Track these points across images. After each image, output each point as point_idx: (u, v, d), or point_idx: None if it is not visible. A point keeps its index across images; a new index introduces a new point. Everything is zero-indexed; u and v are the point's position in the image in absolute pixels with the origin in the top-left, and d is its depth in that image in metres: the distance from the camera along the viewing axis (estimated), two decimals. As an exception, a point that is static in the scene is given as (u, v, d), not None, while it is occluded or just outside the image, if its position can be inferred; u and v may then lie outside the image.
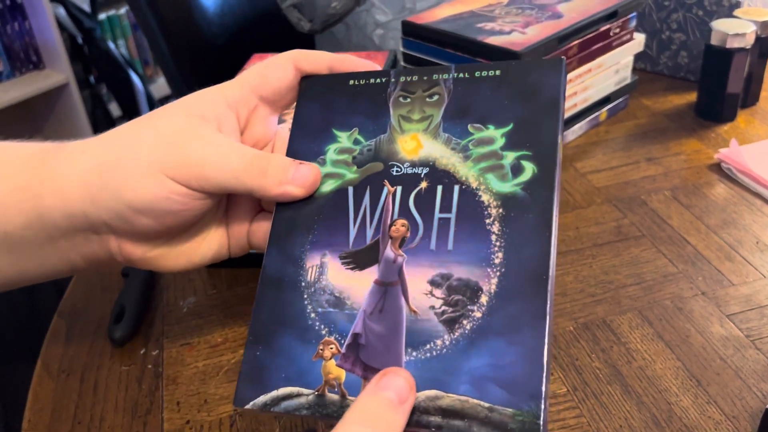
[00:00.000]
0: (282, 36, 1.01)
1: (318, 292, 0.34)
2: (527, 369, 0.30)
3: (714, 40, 0.78)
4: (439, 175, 0.36)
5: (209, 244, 0.41)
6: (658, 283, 0.58)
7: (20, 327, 0.72)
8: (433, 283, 0.33)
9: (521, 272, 0.32)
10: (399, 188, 0.36)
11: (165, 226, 0.38)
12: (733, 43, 0.76)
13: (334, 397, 0.31)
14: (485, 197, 0.34)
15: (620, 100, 0.85)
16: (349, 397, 0.31)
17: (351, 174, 0.37)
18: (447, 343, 0.31)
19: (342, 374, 0.32)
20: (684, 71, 0.92)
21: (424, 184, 0.36)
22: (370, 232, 0.35)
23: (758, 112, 0.83)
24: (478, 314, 0.31)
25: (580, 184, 0.72)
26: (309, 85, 0.41)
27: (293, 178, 0.37)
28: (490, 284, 0.32)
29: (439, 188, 0.35)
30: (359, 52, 0.72)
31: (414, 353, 0.31)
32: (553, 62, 0.37)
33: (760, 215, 0.65)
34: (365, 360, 0.32)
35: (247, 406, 0.33)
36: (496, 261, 0.32)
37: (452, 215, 0.34)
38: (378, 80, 0.40)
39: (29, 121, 2.35)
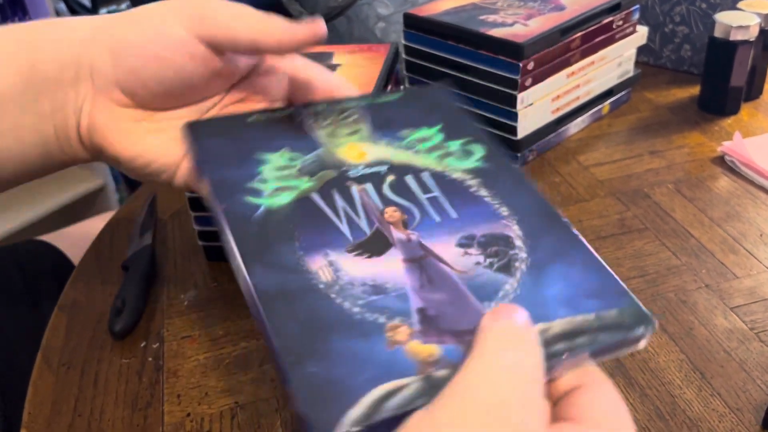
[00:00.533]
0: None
1: (346, 288, 0.31)
2: (599, 278, 0.31)
3: (717, 33, 0.77)
4: (402, 169, 0.36)
5: (169, 148, 0.40)
6: (661, 275, 0.58)
7: (19, 320, 0.72)
8: (461, 245, 0.33)
9: (534, 215, 0.34)
10: (368, 185, 0.36)
11: (147, 77, 0.37)
12: (736, 36, 0.76)
13: (444, 372, 0.28)
14: (456, 174, 0.36)
15: (623, 93, 0.84)
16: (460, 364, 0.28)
17: (306, 183, 0.36)
18: (516, 284, 0.31)
19: (434, 349, 0.29)
20: (687, 64, 0.91)
21: (391, 177, 0.36)
22: (364, 225, 0.34)
23: (762, 105, 0.83)
24: (524, 254, 0.32)
25: (583, 177, 0.72)
26: (199, 128, 0.40)
27: (299, 26, 0.37)
28: (513, 230, 0.33)
29: (408, 177, 0.36)
30: (361, 45, 0.72)
31: (491, 304, 0.30)
32: (441, 86, 0.43)
33: (764, 208, 0.65)
34: (449, 326, 0.29)
35: (345, 420, 0.26)
36: (505, 213, 0.34)
37: (437, 193, 0.35)
38: (281, 113, 0.40)
39: (30, 116, 2.35)
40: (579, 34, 0.73)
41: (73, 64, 0.37)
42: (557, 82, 0.73)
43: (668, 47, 0.92)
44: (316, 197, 0.35)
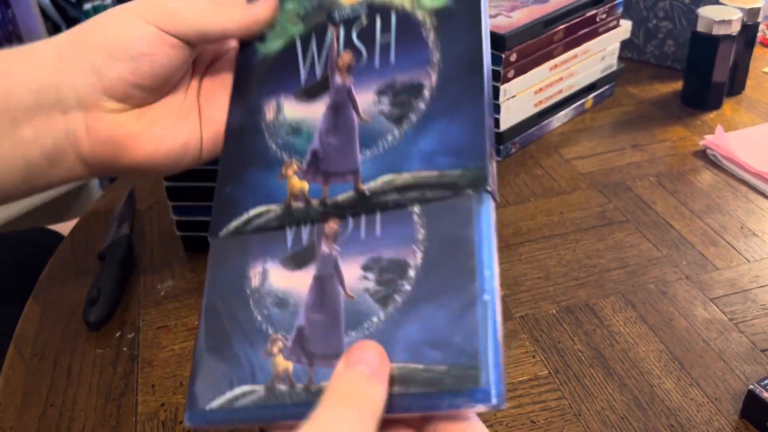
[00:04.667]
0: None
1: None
2: (470, 136, 0.32)
3: (700, 27, 0.77)
4: (377, 9, 0.39)
5: (179, 130, 0.40)
6: (641, 267, 0.57)
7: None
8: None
9: (457, 64, 0.35)
10: (341, 27, 0.39)
11: (139, 77, 0.37)
12: (719, 30, 0.76)
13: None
14: (420, 13, 0.37)
15: (606, 87, 0.84)
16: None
17: (294, 28, 0.41)
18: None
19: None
20: (670, 60, 0.92)
21: (364, 21, 0.39)
22: (319, 69, 0.38)
23: (744, 100, 0.83)
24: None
25: (565, 169, 0.71)
26: None
27: (256, 6, 0.40)
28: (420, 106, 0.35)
29: (378, 17, 0.39)
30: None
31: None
32: None
33: (744, 201, 0.65)
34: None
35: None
36: (434, 60, 0.35)
37: (392, 33, 0.38)
38: None
39: (12, 111, 2.33)
40: (562, 26, 0.72)
41: (50, 89, 0.36)
42: (540, 74, 0.73)
43: (652, 43, 0.92)
44: (298, 41, 0.40)
